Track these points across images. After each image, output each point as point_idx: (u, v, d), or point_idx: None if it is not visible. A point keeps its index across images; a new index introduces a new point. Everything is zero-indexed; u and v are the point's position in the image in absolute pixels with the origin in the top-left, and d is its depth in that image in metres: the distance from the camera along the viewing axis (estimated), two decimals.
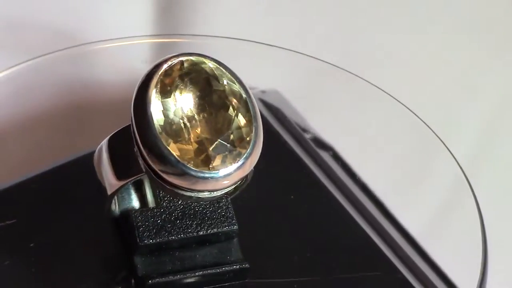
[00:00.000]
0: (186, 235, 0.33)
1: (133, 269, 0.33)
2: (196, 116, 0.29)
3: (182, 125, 0.29)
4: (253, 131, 0.30)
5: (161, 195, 0.34)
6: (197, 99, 0.30)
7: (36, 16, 0.45)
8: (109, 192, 0.32)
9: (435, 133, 0.39)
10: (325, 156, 0.41)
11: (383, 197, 0.41)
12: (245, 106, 0.30)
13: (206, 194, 0.30)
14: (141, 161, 0.30)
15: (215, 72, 0.30)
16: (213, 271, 0.33)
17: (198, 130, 0.29)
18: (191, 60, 0.30)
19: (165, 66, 0.30)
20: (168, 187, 0.30)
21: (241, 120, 0.30)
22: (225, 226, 0.34)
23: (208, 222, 0.34)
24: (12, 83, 0.41)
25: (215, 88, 0.30)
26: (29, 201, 0.37)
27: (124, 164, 0.31)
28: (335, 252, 0.36)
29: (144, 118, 0.29)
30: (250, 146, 0.30)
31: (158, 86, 0.29)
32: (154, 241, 0.33)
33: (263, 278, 0.35)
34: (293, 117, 0.43)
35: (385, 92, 0.41)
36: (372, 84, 0.41)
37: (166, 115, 0.29)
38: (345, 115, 0.46)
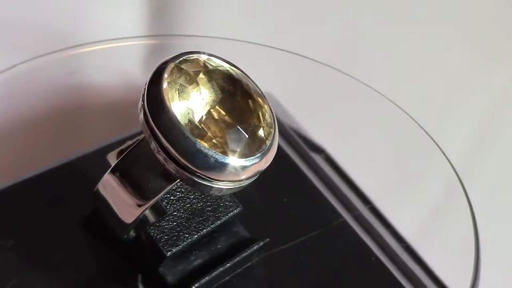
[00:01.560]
0: (204, 232, 0.34)
1: (161, 281, 0.33)
2: (216, 111, 0.29)
3: (204, 119, 0.29)
4: (273, 128, 0.30)
5: (163, 203, 0.34)
6: (220, 94, 0.29)
7: (28, 18, 0.45)
8: (131, 220, 0.31)
9: (429, 135, 0.39)
10: (318, 158, 0.41)
11: (376, 199, 0.41)
12: (267, 104, 0.30)
13: (229, 185, 0.30)
14: (171, 166, 0.29)
15: (234, 70, 0.30)
16: (242, 256, 0.34)
17: (220, 125, 0.29)
18: (205, 57, 0.30)
19: (176, 62, 0.29)
20: (202, 182, 0.29)
21: (263, 117, 0.30)
22: (233, 210, 0.34)
23: (216, 213, 0.34)
24: (5, 85, 0.40)
25: (240, 84, 0.30)
26: (22, 204, 0.37)
27: (145, 181, 0.30)
28: (327, 255, 0.36)
29: (167, 119, 0.28)
30: (269, 142, 0.30)
31: (175, 85, 0.29)
32: (178, 247, 0.33)
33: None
34: (285, 119, 0.43)
35: (379, 92, 0.41)
36: (365, 84, 0.41)
37: (186, 111, 0.29)
38: (338, 117, 0.46)
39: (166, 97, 0.28)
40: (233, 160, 0.29)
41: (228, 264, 0.34)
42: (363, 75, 0.41)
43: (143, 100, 0.29)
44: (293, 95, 0.45)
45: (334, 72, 0.41)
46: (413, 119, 0.40)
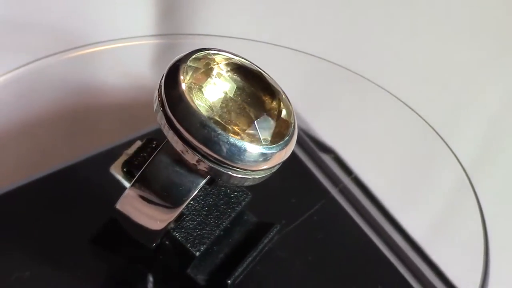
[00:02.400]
0: (223, 225, 0.33)
1: (193, 282, 0.33)
2: (236, 103, 0.29)
3: (226, 112, 0.29)
4: (293, 121, 0.29)
5: None
6: (237, 86, 0.29)
7: (38, 18, 0.45)
8: (161, 227, 0.30)
9: (438, 134, 0.39)
10: (327, 159, 0.41)
11: (385, 199, 0.41)
12: (283, 92, 0.30)
13: (262, 174, 0.29)
14: (204, 166, 0.28)
15: (247, 62, 0.30)
16: (264, 242, 0.34)
17: (244, 115, 0.29)
18: (216, 52, 0.30)
19: (189, 59, 0.29)
20: (238, 175, 0.29)
21: (282, 103, 0.29)
22: (245, 198, 0.34)
23: (230, 205, 0.34)
24: (15, 85, 0.41)
25: (255, 75, 0.30)
26: (32, 204, 0.37)
27: (175, 186, 0.29)
28: (336, 255, 0.36)
29: (195, 119, 0.28)
30: (292, 124, 0.29)
31: (193, 83, 0.29)
32: (205, 245, 0.33)
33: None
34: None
35: (388, 91, 0.40)
36: (374, 83, 0.41)
37: (208, 107, 0.29)
38: (347, 116, 0.46)
39: (188, 97, 0.28)
40: (266, 149, 0.28)
41: (255, 253, 0.34)
42: (373, 74, 0.41)
43: (161, 105, 0.28)
44: (301, 94, 0.45)
45: (344, 71, 0.41)
46: (423, 119, 0.39)
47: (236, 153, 0.28)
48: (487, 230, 0.35)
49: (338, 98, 0.45)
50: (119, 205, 0.30)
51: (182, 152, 0.28)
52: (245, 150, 0.28)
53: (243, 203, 0.34)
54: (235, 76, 0.30)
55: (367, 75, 0.41)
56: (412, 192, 0.48)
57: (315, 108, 0.46)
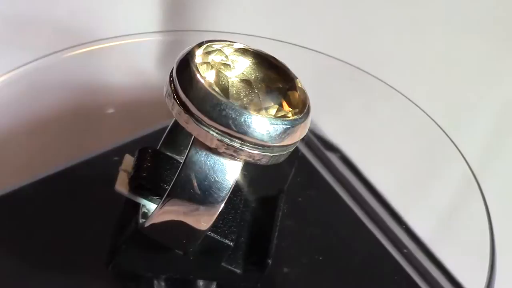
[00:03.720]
0: (240, 210, 0.33)
1: (232, 273, 0.33)
2: (250, 84, 0.28)
3: (245, 94, 0.28)
4: (307, 104, 0.29)
5: None
6: (250, 71, 0.28)
7: (43, 15, 0.45)
8: (207, 226, 0.29)
9: (445, 132, 0.39)
10: (333, 158, 0.41)
11: (391, 198, 0.40)
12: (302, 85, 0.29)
13: (283, 151, 0.29)
14: (244, 154, 0.27)
15: (258, 50, 0.29)
16: (279, 213, 0.34)
17: (260, 94, 0.28)
18: (227, 43, 0.29)
19: (201, 48, 0.28)
20: (265, 153, 0.28)
21: (298, 94, 0.29)
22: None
23: (237, 190, 0.33)
24: (19, 83, 0.40)
25: (276, 64, 0.29)
26: (37, 204, 0.37)
27: (211, 185, 0.28)
28: (343, 254, 0.36)
29: (217, 106, 0.27)
30: (306, 109, 0.28)
31: (207, 69, 0.28)
32: (235, 233, 0.32)
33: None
34: None
35: (395, 89, 0.40)
36: (381, 81, 0.41)
37: (228, 91, 0.28)
38: (354, 114, 0.46)
39: (214, 92, 0.27)
40: (291, 122, 0.27)
41: (278, 225, 0.33)
42: (379, 72, 0.41)
43: (180, 104, 0.27)
44: (308, 92, 0.45)
45: (351, 68, 0.41)
46: (429, 117, 0.39)
47: (266, 132, 0.27)
48: (493, 228, 0.35)
49: (345, 97, 0.45)
50: (153, 220, 0.29)
51: (216, 144, 0.27)
52: (272, 127, 0.27)
53: (246, 186, 0.34)
54: (249, 61, 0.29)
55: (373, 73, 0.41)
56: (418, 190, 0.47)
57: (321, 107, 0.45)
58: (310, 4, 0.49)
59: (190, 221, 0.29)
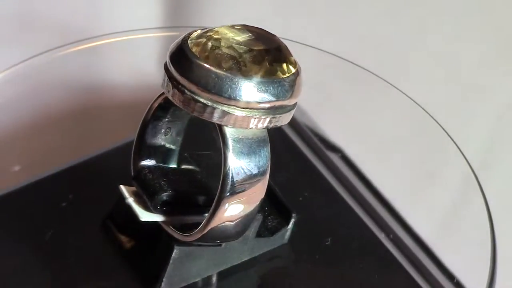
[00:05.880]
0: None
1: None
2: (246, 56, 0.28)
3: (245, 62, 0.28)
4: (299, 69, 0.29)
5: None
6: (253, 43, 0.29)
7: (44, 12, 0.45)
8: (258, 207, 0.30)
9: (446, 132, 0.39)
10: (334, 158, 0.41)
11: (392, 198, 0.40)
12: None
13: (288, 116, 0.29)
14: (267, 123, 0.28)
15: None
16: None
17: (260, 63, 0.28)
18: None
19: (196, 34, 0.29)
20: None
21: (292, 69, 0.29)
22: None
23: None
24: (18, 81, 0.40)
25: (274, 41, 0.30)
26: (37, 204, 0.37)
27: (255, 160, 0.29)
28: (343, 254, 0.36)
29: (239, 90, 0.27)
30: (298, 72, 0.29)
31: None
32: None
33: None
34: (302, 117, 0.42)
35: (397, 88, 0.40)
36: (383, 79, 0.41)
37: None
38: (355, 114, 0.46)
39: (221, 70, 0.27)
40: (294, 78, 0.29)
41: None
42: (381, 71, 0.41)
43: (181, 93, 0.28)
44: (309, 92, 0.45)
45: (352, 67, 0.41)
46: (431, 116, 0.39)
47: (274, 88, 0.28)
48: (494, 228, 0.35)
49: (346, 96, 0.45)
50: (212, 224, 0.29)
51: (247, 123, 0.28)
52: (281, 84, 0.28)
53: None
54: (243, 34, 0.29)
55: (375, 72, 0.41)
56: (419, 190, 0.48)
57: (322, 106, 0.45)
58: (313, 2, 0.49)
59: (248, 202, 0.29)
